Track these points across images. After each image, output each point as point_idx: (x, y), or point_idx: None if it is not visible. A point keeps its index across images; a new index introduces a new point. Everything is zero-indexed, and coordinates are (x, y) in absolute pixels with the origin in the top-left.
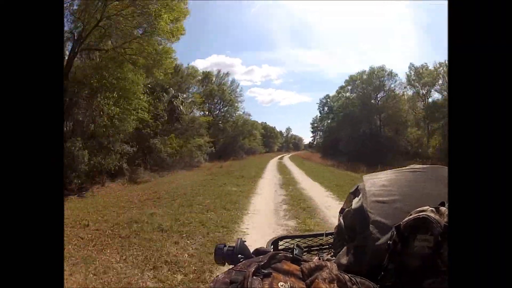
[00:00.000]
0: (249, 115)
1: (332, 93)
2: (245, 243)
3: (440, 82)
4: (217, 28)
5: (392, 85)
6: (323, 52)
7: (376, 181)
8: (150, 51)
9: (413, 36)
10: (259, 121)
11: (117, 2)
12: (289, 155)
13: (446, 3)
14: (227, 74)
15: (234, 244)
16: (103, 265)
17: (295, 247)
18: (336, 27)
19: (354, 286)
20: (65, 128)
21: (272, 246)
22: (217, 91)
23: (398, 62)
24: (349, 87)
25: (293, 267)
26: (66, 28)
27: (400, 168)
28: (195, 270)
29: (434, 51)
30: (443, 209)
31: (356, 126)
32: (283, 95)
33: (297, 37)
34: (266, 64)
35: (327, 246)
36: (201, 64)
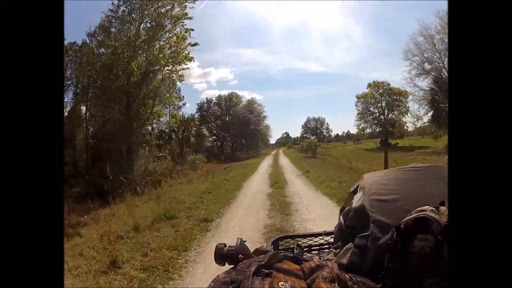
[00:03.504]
0: None
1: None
2: (245, 242)
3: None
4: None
5: None
6: (268, 50)
7: (377, 180)
8: None
9: (357, 34)
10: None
11: None
12: None
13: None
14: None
15: (234, 244)
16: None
17: (295, 246)
18: (280, 25)
19: (355, 286)
20: None
21: (272, 246)
22: None
23: (341, 58)
24: None
25: (294, 267)
26: None
27: (401, 167)
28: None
29: (378, 45)
30: (443, 208)
31: None
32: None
33: (243, 37)
34: (223, 66)
35: (328, 246)
36: None
